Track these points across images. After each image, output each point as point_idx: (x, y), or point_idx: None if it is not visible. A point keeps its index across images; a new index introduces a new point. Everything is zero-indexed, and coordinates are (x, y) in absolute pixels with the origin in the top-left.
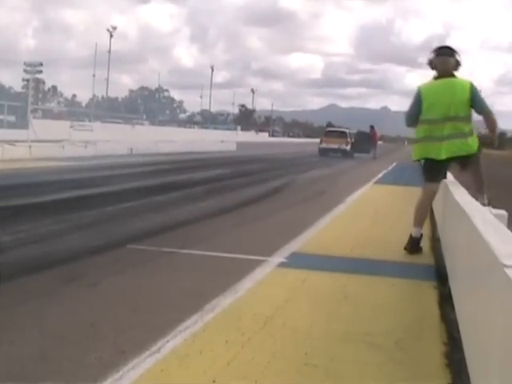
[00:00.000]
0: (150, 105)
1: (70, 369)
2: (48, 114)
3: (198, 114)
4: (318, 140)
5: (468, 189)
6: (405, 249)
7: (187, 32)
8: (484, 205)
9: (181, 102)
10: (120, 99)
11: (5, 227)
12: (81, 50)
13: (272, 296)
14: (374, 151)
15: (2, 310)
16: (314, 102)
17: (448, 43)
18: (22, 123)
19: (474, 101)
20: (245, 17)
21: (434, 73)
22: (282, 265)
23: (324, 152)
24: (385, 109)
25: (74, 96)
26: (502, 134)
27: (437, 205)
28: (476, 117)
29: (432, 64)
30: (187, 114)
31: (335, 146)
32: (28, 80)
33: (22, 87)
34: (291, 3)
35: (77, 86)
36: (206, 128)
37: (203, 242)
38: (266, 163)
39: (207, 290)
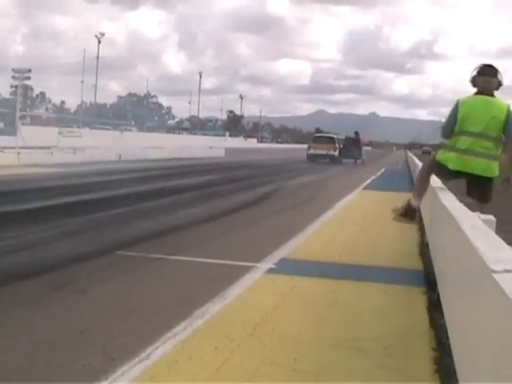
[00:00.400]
0: (138, 111)
1: (58, 376)
2: (36, 121)
3: (186, 120)
4: (306, 146)
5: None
6: (397, 214)
7: (175, 38)
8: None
9: (169, 108)
10: (108, 105)
11: None
12: (69, 56)
13: (261, 302)
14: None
15: None
16: (302, 108)
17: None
18: (11, 130)
19: (507, 124)
20: (233, 23)
21: (422, 80)
22: (271, 271)
23: (312, 158)
24: (373, 114)
25: (63, 102)
26: None
27: (425, 210)
28: None
29: (474, 82)
30: (176, 120)
31: (323, 152)
32: (16, 86)
33: (11, 94)
34: (279, 10)
35: (65, 93)
36: (195, 134)
37: (192, 248)
38: (254, 169)
39: (196, 297)
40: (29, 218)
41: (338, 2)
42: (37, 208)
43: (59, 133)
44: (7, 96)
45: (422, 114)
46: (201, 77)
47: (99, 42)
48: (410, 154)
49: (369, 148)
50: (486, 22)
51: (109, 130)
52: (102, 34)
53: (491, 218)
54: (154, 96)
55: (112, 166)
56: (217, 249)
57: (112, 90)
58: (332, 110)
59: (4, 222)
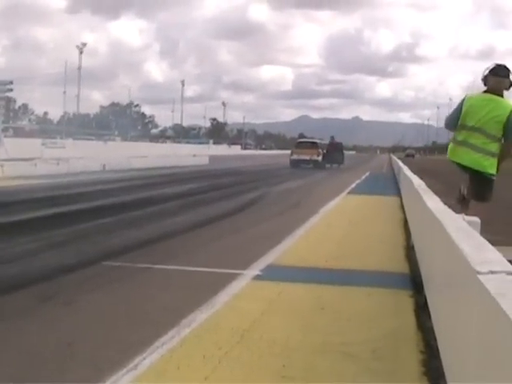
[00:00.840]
0: (121, 120)
1: None
2: (19, 132)
3: (169, 128)
4: (290, 152)
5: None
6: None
7: (157, 47)
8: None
9: (152, 117)
10: (91, 115)
11: None
12: (51, 67)
13: (248, 309)
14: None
15: None
16: (285, 114)
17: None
18: None
19: (507, 125)
20: (214, 30)
21: (404, 83)
22: (257, 278)
23: (295, 164)
24: (356, 118)
25: (46, 113)
26: None
27: (410, 213)
28: None
29: (485, 80)
30: (159, 128)
31: (306, 157)
32: None
33: None
34: (260, 16)
35: (48, 104)
36: (179, 142)
37: (179, 256)
38: (239, 176)
39: (183, 305)
40: (15, 230)
41: (319, 7)
42: (22, 220)
43: (43, 144)
44: None
45: (405, 117)
46: (183, 85)
47: (81, 52)
48: (394, 158)
49: (353, 152)
50: (465, 23)
51: (92, 140)
52: (84, 45)
53: (476, 219)
54: (137, 105)
55: (96, 176)
56: (203, 257)
57: (95, 99)
58: (315, 115)
59: None
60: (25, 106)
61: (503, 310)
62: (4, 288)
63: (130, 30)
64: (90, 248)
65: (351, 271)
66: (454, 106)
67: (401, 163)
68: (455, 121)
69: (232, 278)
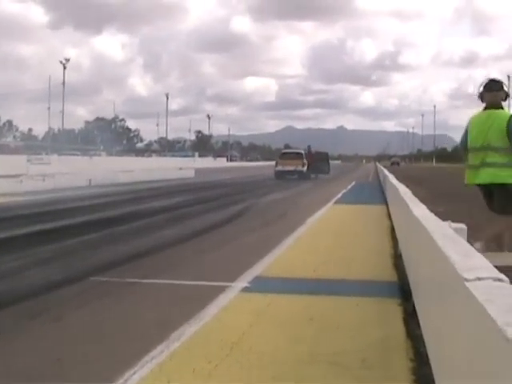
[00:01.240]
0: (106, 135)
1: None
2: (4, 149)
3: (155, 142)
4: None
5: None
6: None
7: (140, 61)
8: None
9: (137, 131)
10: (76, 131)
11: None
12: (35, 83)
13: (237, 321)
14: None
15: None
16: (270, 125)
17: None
18: None
19: (508, 130)
20: (197, 43)
21: (388, 92)
22: (245, 289)
23: (280, 175)
24: (341, 128)
25: (30, 130)
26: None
27: (397, 221)
28: None
29: (482, 97)
30: (144, 142)
31: (291, 168)
32: None
33: None
34: (242, 28)
35: (32, 120)
36: (164, 156)
37: (167, 270)
38: (225, 188)
39: (172, 319)
40: (1, 248)
41: (301, 19)
42: (9, 237)
43: (28, 160)
44: None
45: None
46: (168, 98)
47: (64, 67)
48: (380, 166)
49: (338, 162)
50: (448, 31)
51: (78, 155)
52: (67, 60)
53: (462, 226)
54: (122, 119)
55: (82, 191)
56: (191, 270)
57: (79, 115)
58: (300, 126)
59: None
60: (9, 123)
61: (491, 316)
62: None
63: (112, 44)
64: (77, 264)
65: (339, 281)
66: (439, 113)
67: (386, 171)
68: (465, 144)
69: (220, 290)
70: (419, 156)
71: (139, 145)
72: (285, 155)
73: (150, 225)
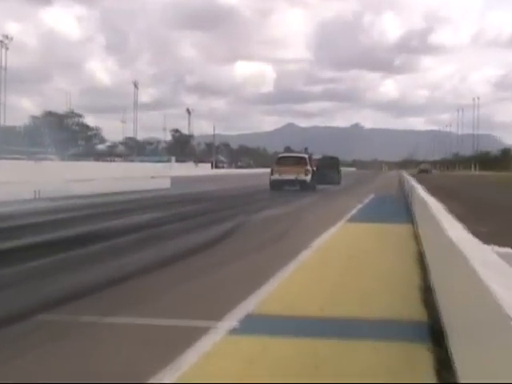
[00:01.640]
0: (58, 134)
1: None
2: None
3: (120, 143)
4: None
5: None
6: None
7: (101, 40)
8: None
9: (98, 130)
10: (20, 128)
11: None
12: None
13: (223, 371)
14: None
15: None
16: (266, 123)
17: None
18: None
19: None
20: (174, 18)
21: (416, 80)
22: (234, 331)
23: (277, 185)
24: (356, 127)
25: None
26: (507, 151)
27: (427, 244)
28: None
29: None
30: (107, 144)
31: (291, 177)
32: None
33: None
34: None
35: None
36: (132, 161)
37: (135, 305)
38: (209, 202)
39: (142, 369)
40: None
41: None
42: None
43: None
44: None
45: (418, 123)
46: (137, 88)
47: (6, 48)
48: (405, 175)
49: (352, 169)
50: (493, 2)
51: (21, 159)
52: (9, 38)
53: (510, 251)
54: (78, 115)
55: (28, 205)
56: (166, 305)
57: (24, 108)
58: (304, 124)
59: None
60: None
61: None
62: None
63: (66, 18)
64: (22, 298)
65: (352, 320)
66: (481, 107)
67: (413, 181)
68: None
69: (202, 331)
70: (455, 162)
71: (100, 146)
72: (283, 160)
73: (114, 248)
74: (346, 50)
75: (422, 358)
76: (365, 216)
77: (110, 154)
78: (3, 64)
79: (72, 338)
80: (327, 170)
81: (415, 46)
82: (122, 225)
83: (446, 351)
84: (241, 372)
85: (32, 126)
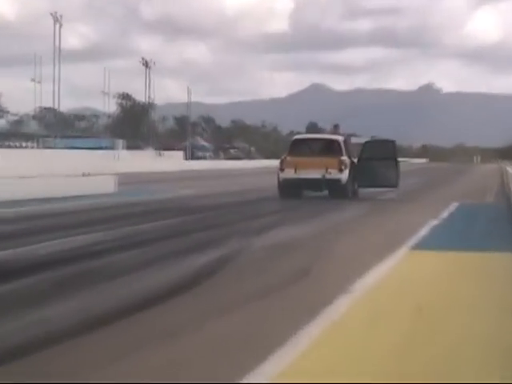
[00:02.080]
0: None
1: None
2: None
3: (32, 117)
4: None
5: None
6: None
7: None
8: None
9: None
10: None
11: None
12: None
13: None
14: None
15: None
16: (277, 84)
17: None
18: None
19: None
20: None
21: None
22: None
23: (290, 189)
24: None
25: None
26: None
27: None
28: None
29: None
30: (9, 118)
31: (314, 175)
32: None
33: None
34: None
35: None
36: (51, 147)
37: None
38: (181, 217)
39: None
40: None
41: None
42: None
43: None
44: None
45: None
46: (59, 23)
47: None
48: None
49: (422, 160)
50: None
51: None
52: None
53: None
54: None
55: None
56: None
57: None
58: (339, 85)
59: None
60: None
61: None
62: None
63: None
64: None
65: None
66: None
67: None
68: None
69: None
70: None
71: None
72: (301, 146)
73: (19, 293)
74: None
75: None
76: (442, 240)
77: (14, 134)
78: None
79: None
80: (377, 162)
81: None
82: (31, 254)
83: None
84: None
85: None
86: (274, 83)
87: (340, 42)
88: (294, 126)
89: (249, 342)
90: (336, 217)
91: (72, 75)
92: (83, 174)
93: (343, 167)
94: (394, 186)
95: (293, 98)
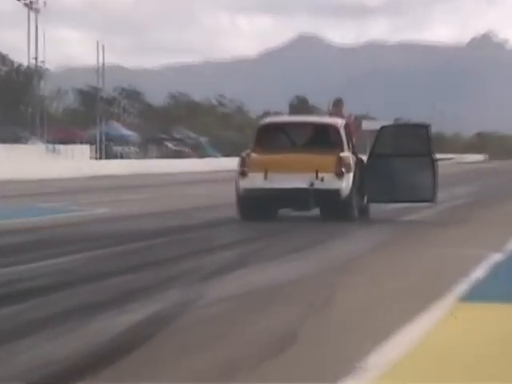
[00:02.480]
0: None
1: None
2: None
3: None
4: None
5: None
6: None
7: None
8: None
9: None
10: None
11: None
12: None
13: None
14: None
15: None
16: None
17: None
18: None
19: None
20: None
21: None
22: None
23: (255, 207)
24: (483, 41)
25: None
26: None
27: None
28: None
29: None
30: None
31: (295, 184)
32: None
33: None
34: None
35: None
36: None
37: None
38: (88, 251)
39: None
40: None
41: None
42: None
43: None
44: None
45: None
46: None
47: None
48: None
49: (478, 157)
50: None
51: None
52: None
53: None
54: None
55: None
56: None
57: None
58: (341, 37)
59: None
60: None
61: None
62: None
63: None
64: None
65: None
66: None
67: None
68: None
69: None
70: None
71: None
72: (273, 134)
73: None
74: None
75: None
76: (508, 284)
77: None
78: None
79: None
80: (400, 160)
81: None
82: None
83: None
84: None
85: None
86: (239, 34)
87: None
88: (270, 102)
89: None
90: (333, 251)
91: None
92: None
93: (344, 170)
94: (430, 199)
95: (269, 59)
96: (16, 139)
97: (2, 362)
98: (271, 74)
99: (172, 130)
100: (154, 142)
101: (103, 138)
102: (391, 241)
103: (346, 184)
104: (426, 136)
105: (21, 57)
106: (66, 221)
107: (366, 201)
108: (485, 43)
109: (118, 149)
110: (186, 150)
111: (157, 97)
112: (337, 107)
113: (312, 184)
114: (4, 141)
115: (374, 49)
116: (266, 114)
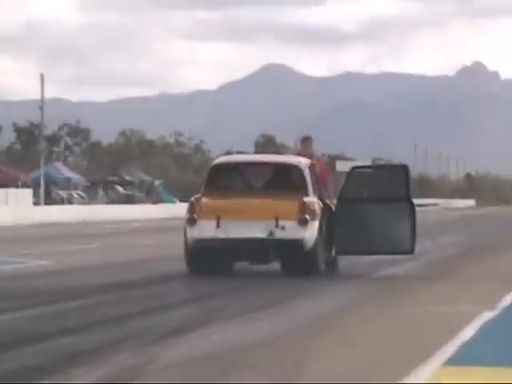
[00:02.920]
0: None
1: None
2: None
3: None
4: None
5: None
6: None
7: None
8: None
9: None
10: None
11: None
12: None
13: None
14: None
15: None
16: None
17: None
18: None
19: None
20: None
21: None
22: None
23: (206, 259)
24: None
25: None
26: None
27: None
28: None
29: None
30: None
31: (251, 234)
32: None
33: None
34: None
35: None
36: None
37: None
38: (18, 310)
39: None
40: None
41: None
42: None
43: None
44: None
45: None
46: None
47: None
48: None
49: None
50: None
51: None
52: None
53: None
54: None
55: None
56: None
57: None
58: (312, 67)
59: None
60: None
61: None
62: None
63: None
64: None
65: None
66: None
67: None
68: None
69: None
70: None
71: None
72: (227, 175)
73: None
74: None
75: None
76: (504, 349)
77: None
78: None
79: None
80: (374, 206)
81: None
82: None
83: None
84: None
85: None
86: (198, 64)
87: None
88: (233, 140)
89: None
90: (301, 310)
91: None
92: None
93: (308, 217)
94: (407, 251)
95: (231, 90)
96: None
97: None
98: (234, 108)
99: (122, 171)
100: (102, 185)
101: (42, 182)
102: (365, 298)
103: (310, 233)
104: (403, 178)
105: None
106: (2, 274)
107: (334, 253)
108: (475, 73)
109: (59, 194)
110: (138, 194)
111: (105, 134)
112: (305, 146)
113: (271, 233)
114: None
115: (349, 79)
116: (228, 153)
